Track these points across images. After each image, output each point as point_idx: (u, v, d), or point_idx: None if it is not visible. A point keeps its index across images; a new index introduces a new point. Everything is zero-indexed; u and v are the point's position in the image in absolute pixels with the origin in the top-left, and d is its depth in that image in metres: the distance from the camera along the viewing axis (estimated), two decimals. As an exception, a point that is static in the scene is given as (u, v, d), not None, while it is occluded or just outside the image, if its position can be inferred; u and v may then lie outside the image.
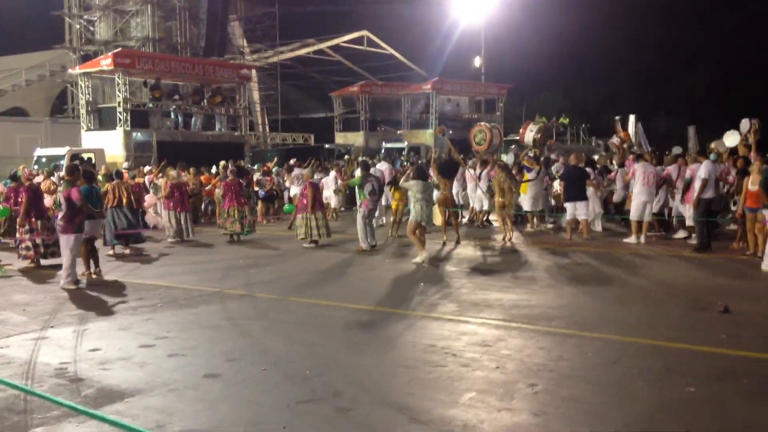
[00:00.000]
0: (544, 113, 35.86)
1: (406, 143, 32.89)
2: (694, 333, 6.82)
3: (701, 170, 12.19)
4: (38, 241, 11.34)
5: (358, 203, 13.86)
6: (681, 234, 13.98)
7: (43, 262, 11.56)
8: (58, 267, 10.41)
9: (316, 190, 13.96)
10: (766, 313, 7.67)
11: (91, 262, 10.62)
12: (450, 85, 37.91)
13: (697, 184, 12.22)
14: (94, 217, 10.45)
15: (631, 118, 22.07)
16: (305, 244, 13.55)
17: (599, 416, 4.72)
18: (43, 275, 10.83)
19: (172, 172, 15.98)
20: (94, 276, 10.50)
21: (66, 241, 9.71)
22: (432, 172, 13.97)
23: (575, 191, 13.87)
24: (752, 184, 11.14)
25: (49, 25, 36.60)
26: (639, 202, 13.17)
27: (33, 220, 11.33)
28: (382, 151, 31.27)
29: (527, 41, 48.92)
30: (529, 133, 16.90)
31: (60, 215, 9.86)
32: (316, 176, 17.21)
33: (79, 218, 9.82)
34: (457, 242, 13.63)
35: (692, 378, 5.43)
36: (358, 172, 15.15)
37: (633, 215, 13.33)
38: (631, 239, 13.24)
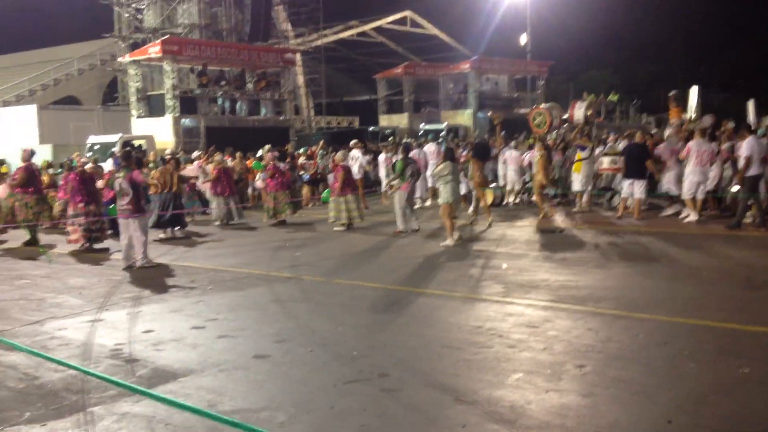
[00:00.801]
0: (592, 91, 35.14)
1: (445, 124, 32.63)
2: (747, 313, 6.64)
3: (744, 147, 11.79)
4: (85, 225, 11.73)
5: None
6: (669, 211, 13.92)
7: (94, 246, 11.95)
8: (108, 251, 10.75)
9: (348, 173, 14.09)
10: (826, 292, 7.41)
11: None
12: (489, 64, 37.27)
13: (741, 163, 11.84)
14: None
15: (694, 89, 21.20)
16: (336, 227, 13.66)
17: (649, 397, 4.65)
18: (97, 258, 11.15)
19: (218, 157, 16.26)
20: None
21: (140, 223, 10.10)
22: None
23: (635, 169, 13.58)
24: None
25: (98, 15, 37.46)
26: (691, 182, 12.87)
27: (81, 205, 11.72)
28: (420, 132, 31.10)
29: (573, 17, 47.85)
30: (579, 111, 16.62)
31: (125, 200, 10.10)
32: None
33: (143, 200, 10.36)
34: (489, 225, 13.50)
35: (746, 359, 5.29)
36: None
37: (686, 193, 13.01)
38: (691, 217, 12.91)
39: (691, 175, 12.87)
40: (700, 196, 12.93)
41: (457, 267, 9.55)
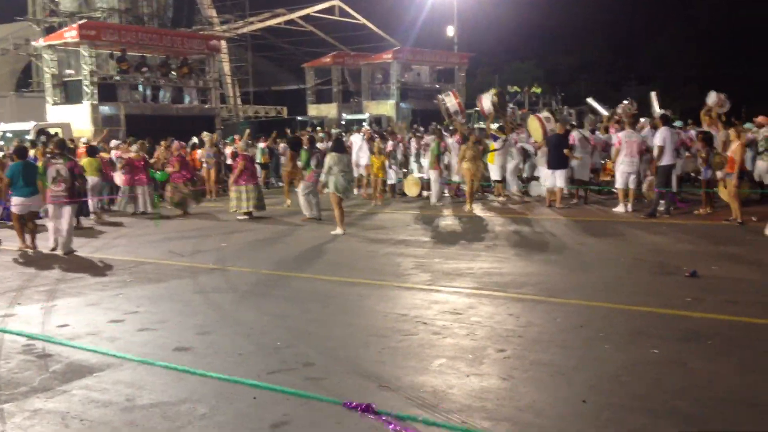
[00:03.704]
0: (516, 82, 35.88)
1: (367, 114, 32.67)
2: (659, 297, 6.94)
3: (657, 137, 12.27)
4: None
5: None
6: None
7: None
8: None
9: (250, 162, 14.12)
10: (733, 277, 7.81)
11: (27, 237, 10.72)
12: (411, 54, 37.35)
13: (655, 152, 12.32)
14: (35, 193, 10.57)
15: (653, 94, 21.68)
16: (239, 216, 13.63)
17: (566, 378, 4.80)
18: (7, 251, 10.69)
19: (134, 146, 15.70)
20: (29, 250, 10.59)
21: (72, 210, 10.54)
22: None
23: (556, 159, 13.90)
24: (734, 152, 11.26)
25: (10, -3, 35.54)
26: (622, 172, 13.09)
27: None
28: (342, 122, 31.09)
29: (500, 10, 48.60)
30: (486, 101, 16.62)
31: (62, 187, 10.37)
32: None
33: (75, 188, 10.75)
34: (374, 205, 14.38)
35: (657, 340, 5.54)
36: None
37: (618, 184, 13.34)
38: (619, 208, 13.16)
39: (621, 165, 13.06)
40: (632, 186, 13.10)
41: (383, 256, 9.60)
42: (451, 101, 17.68)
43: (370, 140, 16.90)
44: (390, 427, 3.93)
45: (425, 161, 16.48)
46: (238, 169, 13.67)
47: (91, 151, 14.94)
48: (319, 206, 13.33)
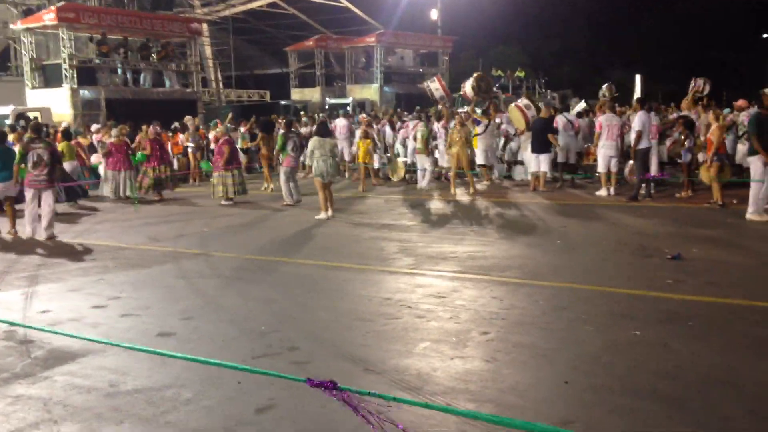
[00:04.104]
0: (500, 66, 35.82)
1: (351, 99, 32.53)
2: (640, 279, 7.01)
3: (636, 121, 12.34)
4: None
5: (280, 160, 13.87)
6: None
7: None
8: None
9: (233, 147, 14.02)
10: (714, 259, 7.90)
11: (6, 221, 10.68)
12: (394, 38, 37.12)
13: (632, 136, 12.40)
14: (9, 178, 10.49)
15: (637, 78, 21.80)
16: (222, 201, 13.62)
17: (548, 359, 4.85)
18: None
19: (114, 131, 15.53)
20: (8, 235, 10.52)
21: (52, 194, 10.44)
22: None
23: (539, 144, 13.96)
24: (712, 134, 11.36)
25: (-14, -22, 34.82)
26: (603, 156, 13.17)
27: None
28: (326, 107, 30.95)
29: (483, -7, 48.45)
30: (468, 87, 16.52)
31: (44, 171, 10.24)
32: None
33: (57, 172, 10.91)
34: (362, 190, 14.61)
35: (638, 321, 5.61)
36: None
37: (600, 167, 13.41)
38: (602, 192, 13.21)
39: (602, 149, 13.15)
40: (614, 169, 13.15)
41: (368, 240, 9.61)
42: (436, 87, 17.65)
43: (369, 126, 16.65)
44: (349, 401, 3.92)
45: (410, 145, 16.44)
46: (226, 154, 13.53)
47: (66, 135, 14.80)
48: (298, 191, 13.33)
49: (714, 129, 11.36)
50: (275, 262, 8.35)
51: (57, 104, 23.37)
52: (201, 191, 15.93)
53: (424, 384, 4.46)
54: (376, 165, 16.75)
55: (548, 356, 4.92)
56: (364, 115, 21.69)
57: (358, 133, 16.68)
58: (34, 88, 25.02)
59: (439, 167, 16.04)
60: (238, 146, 16.34)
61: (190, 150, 18.44)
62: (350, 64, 37.18)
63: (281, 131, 13.67)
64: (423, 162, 15.15)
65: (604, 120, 13.24)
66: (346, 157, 17.90)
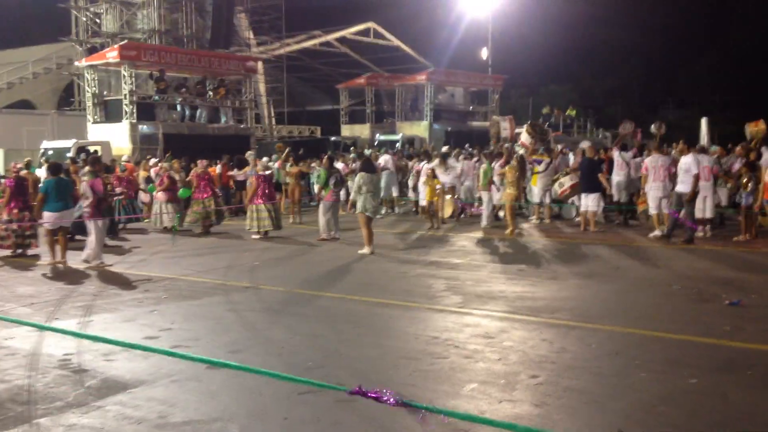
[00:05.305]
0: (551, 105, 35.71)
1: (400, 135, 32.81)
2: (697, 325, 6.79)
3: (692, 165, 12.08)
4: (18, 229, 11.78)
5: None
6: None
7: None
8: (38, 257, 11.61)
9: (266, 182, 14.06)
10: (771, 304, 7.62)
11: (58, 251, 11.07)
12: (444, 76, 37.52)
13: (681, 178, 12.20)
14: (65, 208, 11.04)
15: (704, 120, 21.49)
16: (253, 235, 13.75)
17: (599, 406, 4.72)
18: (28, 264, 10.95)
19: (165, 164, 15.99)
20: (59, 265, 10.88)
21: (93, 225, 10.81)
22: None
23: (588, 183, 13.84)
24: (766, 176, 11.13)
25: (55, 18, 36.63)
26: (653, 198, 13.00)
27: (16, 211, 11.74)
28: (375, 143, 31.27)
29: (535, 32, 48.68)
30: (524, 137, 16.86)
31: (86, 203, 10.93)
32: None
33: (103, 204, 11.34)
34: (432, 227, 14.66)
35: (694, 369, 5.42)
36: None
37: (651, 209, 13.21)
38: (655, 233, 12.88)
39: (651, 191, 12.98)
40: (665, 210, 12.88)
41: (415, 277, 9.58)
42: (505, 126, 17.85)
43: (441, 164, 16.58)
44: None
45: (468, 183, 16.64)
46: (252, 189, 13.90)
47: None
48: (337, 226, 13.39)
49: (766, 171, 11.08)
50: (322, 297, 8.38)
51: (117, 138, 24.21)
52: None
53: (471, 427, 4.38)
54: (423, 201, 16.72)
55: (600, 403, 4.78)
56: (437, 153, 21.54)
57: (424, 171, 16.45)
58: (95, 122, 26.02)
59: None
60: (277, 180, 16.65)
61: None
62: (400, 101, 37.62)
63: (323, 167, 13.83)
64: (484, 199, 15.16)
65: (649, 162, 13.09)
66: (394, 193, 17.98)
